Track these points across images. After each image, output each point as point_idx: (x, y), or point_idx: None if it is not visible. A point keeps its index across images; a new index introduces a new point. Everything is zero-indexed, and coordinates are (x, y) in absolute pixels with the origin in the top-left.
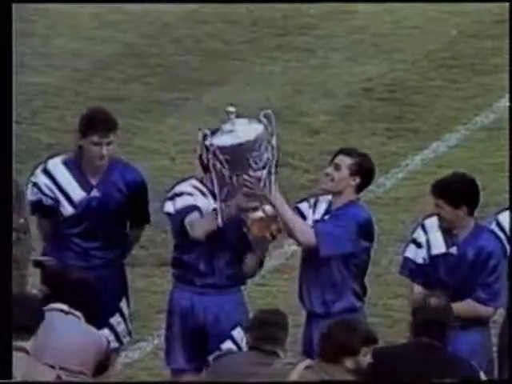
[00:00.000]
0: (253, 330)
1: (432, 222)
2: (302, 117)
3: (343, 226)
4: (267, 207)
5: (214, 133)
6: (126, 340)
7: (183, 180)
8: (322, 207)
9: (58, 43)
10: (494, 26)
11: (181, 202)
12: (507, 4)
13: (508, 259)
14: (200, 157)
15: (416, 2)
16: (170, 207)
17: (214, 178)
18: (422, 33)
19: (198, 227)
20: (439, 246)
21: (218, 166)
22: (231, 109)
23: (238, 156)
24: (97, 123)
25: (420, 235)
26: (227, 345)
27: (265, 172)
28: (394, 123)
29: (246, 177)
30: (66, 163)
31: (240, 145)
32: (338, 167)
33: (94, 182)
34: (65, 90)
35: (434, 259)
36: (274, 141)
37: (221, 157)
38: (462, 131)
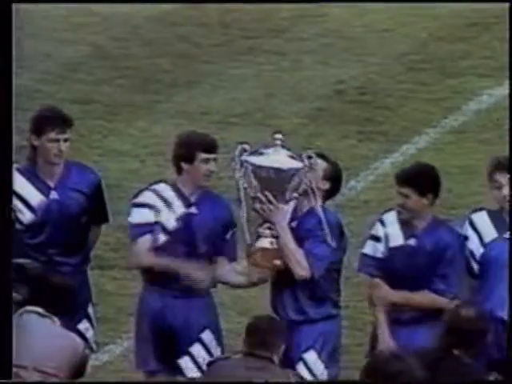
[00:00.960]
0: (248, 336)
1: (390, 216)
2: (274, 119)
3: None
4: (275, 239)
5: (253, 153)
6: (95, 346)
7: (153, 184)
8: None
9: (29, 44)
10: (463, 29)
11: (140, 217)
12: (507, 4)
13: (508, 260)
14: (177, 158)
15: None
16: (130, 218)
17: (242, 198)
18: (392, 36)
19: (134, 258)
20: (397, 239)
21: (246, 184)
22: (278, 136)
23: (271, 181)
24: (53, 119)
25: (378, 230)
26: (196, 348)
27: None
28: (365, 126)
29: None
30: (19, 170)
31: (277, 170)
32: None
33: (51, 184)
34: (35, 91)
35: (392, 252)
36: (307, 181)
37: (252, 175)
38: (431, 134)
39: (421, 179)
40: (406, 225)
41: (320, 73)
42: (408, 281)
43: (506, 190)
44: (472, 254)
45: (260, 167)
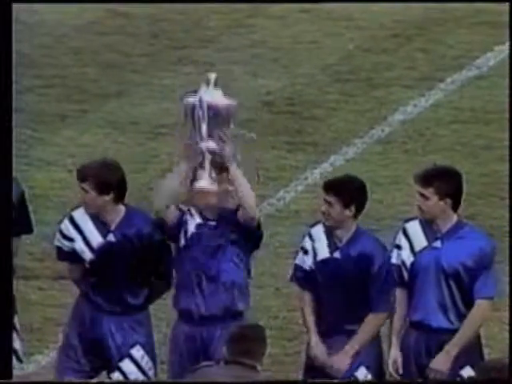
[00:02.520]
0: (232, 344)
1: (318, 230)
2: None
3: None
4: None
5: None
6: (22, 356)
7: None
8: None
9: None
10: (387, 40)
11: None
12: (507, 4)
13: (509, 262)
14: None
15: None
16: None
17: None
18: (319, 47)
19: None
20: (324, 252)
21: (201, 122)
22: (212, 76)
23: (222, 115)
24: None
25: (306, 243)
26: (126, 363)
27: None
28: (294, 136)
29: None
30: None
31: (228, 105)
32: None
33: None
34: None
35: (318, 265)
36: None
37: (207, 112)
38: (358, 144)
39: (346, 189)
40: (331, 237)
41: (249, 84)
42: (337, 294)
43: (417, 201)
44: (403, 262)
45: (212, 103)
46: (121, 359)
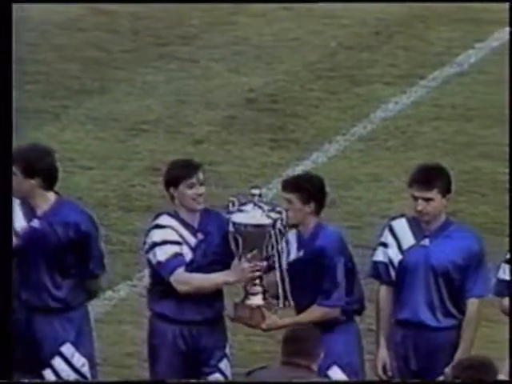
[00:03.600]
0: (287, 345)
1: (292, 233)
2: (185, 127)
3: None
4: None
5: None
6: None
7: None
8: None
9: None
10: (370, 37)
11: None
12: (507, 4)
13: (509, 261)
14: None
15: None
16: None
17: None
18: (301, 44)
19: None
20: (292, 252)
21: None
22: (256, 191)
23: (250, 237)
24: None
25: (283, 245)
26: (57, 361)
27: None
28: (277, 134)
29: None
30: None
31: (255, 226)
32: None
33: None
34: None
35: (289, 265)
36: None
37: (235, 233)
38: (341, 142)
39: (305, 187)
40: (298, 236)
41: (231, 80)
42: (304, 292)
43: (420, 206)
44: (390, 260)
45: (239, 224)
46: (52, 357)
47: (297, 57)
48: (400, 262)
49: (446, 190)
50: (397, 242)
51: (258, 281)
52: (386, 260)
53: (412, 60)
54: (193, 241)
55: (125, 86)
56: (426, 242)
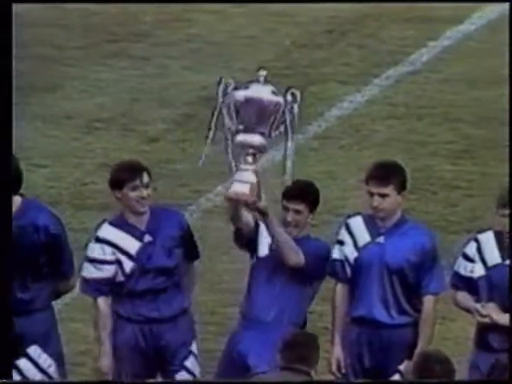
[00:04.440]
0: (286, 351)
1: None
2: (140, 125)
3: None
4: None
5: (236, 88)
6: None
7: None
8: None
9: None
10: (324, 36)
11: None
12: (507, 4)
13: (509, 259)
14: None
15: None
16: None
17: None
18: (256, 43)
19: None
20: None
21: (227, 121)
22: (262, 72)
23: (251, 111)
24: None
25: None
26: (23, 362)
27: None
28: None
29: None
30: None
31: (259, 101)
32: None
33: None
34: None
35: None
36: (288, 120)
37: (233, 108)
38: (296, 140)
39: (315, 196)
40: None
41: (186, 78)
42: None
43: (375, 202)
44: (346, 258)
45: (242, 100)
46: (18, 358)
47: (251, 55)
48: (355, 260)
49: (401, 187)
50: (353, 239)
51: (250, 158)
52: (342, 258)
53: (365, 58)
54: (136, 246)
55: (77, 84)
56: (381, 239)
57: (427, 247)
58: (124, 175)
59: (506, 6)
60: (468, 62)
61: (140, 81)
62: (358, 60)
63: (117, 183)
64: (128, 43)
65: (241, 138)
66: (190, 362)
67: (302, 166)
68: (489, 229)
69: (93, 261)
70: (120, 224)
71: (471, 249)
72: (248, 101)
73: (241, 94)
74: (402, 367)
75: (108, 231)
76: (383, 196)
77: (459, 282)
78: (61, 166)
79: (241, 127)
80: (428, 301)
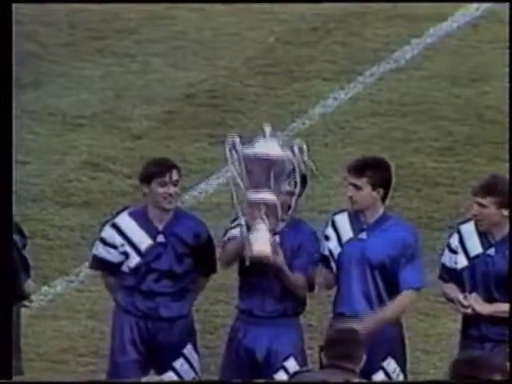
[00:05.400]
0: (329, 348)
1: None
2: (123, 122)
3: None
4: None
5: (244, 144)
6: None
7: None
8: None
9: None
10: (308, 33)
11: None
12: (507, 4)
13: (509, 259)
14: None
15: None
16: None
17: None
18: (241, 40)
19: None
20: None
21: (239, 175)
22: (268, 128)
23: (259, 168)
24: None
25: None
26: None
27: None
28: (215, 129)
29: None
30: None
31: (263, 156)
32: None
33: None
34: None
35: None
36: (297, 177)
37: (243, 165)
38: (279, 137)
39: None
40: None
41: (170, 76)
42: None
43: (349, 192)
44: (331, 253)
45: (249, 156)
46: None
47: (236, 52)
48: (339, 255)
49: (378, 183)
50: (337, 235)
51: (263, 215)
52: (327, 253)
53: (350, 56)
54: (147, 244)
55: (61, 81)
56: (364, 235)
57: (408, 242)
58: (153, 170)
59: (488, 5)
60: (451, 59)
61: (124, 78)
62: (343, 57)
63: (146, 178)
64: (112, 40)
65: (253, 195)
66: (179, 364)
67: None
68: (470, 219)
69: (102, 241)
70: (139, 217)
71: (454, 240)
72: (256, 158)
73: (248, 152)
74: (385, 364)
75: (125, 221)
76: (357, 188)
77: (445, 274)
78: (44, 162)
79: (251, 184)
80: (405, 295)
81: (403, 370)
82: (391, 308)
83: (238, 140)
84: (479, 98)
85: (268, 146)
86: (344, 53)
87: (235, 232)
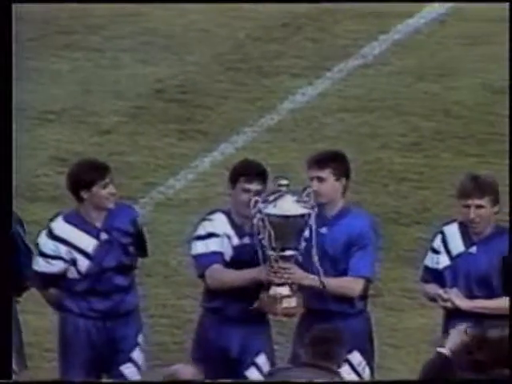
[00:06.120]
0: (311, 347)
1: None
2: (92, 117)
3: None
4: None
5: (264, 201)
6: None
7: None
8: None
9: None
10: (277, 29)
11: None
12: (507, 4)
13: (508, 258)
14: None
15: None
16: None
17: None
18: (210, 36)
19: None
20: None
21: (266, 234)
22: (283, 182)
23: (284, 228)
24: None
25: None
26: None
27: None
28: (185, 125)
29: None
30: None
31: (287, 217)
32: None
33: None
34: None
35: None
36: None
37: (268, 225)
38: (249, 133)
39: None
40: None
41: (139, 71)
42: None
43: (314, 186)
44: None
45: (270, 216)
46: None
47: (205, 48)
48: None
49: (340, 174)
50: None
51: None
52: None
53: (318, 52)
54: (93, 245)
55: (30, 75)
56: (324, 230)
57: (362, 231)
58: (94, 175)
59: (448, 4)
60: (418, 55)
61: (93, 73)
62: (311, 53)
63: (86, 183)
64: (81, 35)
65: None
66: (135, 354)
67: (255, 159)
68: (454, 220)
69: (44, 255)
70: (76, 221)
71: (437, 241)
72: (278, 219)
73: (271, 213)
74: (350, 356)
75: (64, 229)
76: (320, 180)
77: (427, 275)
78: (12, 158)
79: (277, 246)
80: (356, 281)
81: (369, 363)
82: (335, 281)
83: (259, 199)
84: (446, 93)
85: (287, 206)
86: (313, 49)
87: (216, 247)
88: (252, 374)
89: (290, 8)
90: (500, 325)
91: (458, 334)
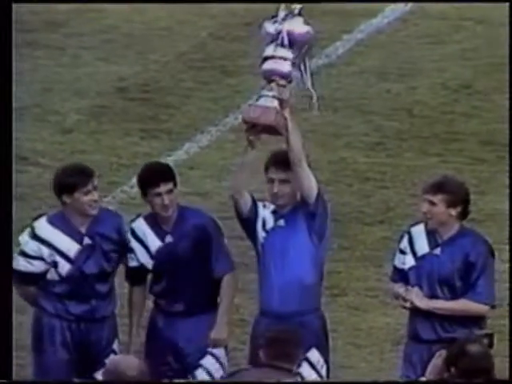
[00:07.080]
0: (267, 348)
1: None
2: (53, 115)
3: None
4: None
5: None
6: None
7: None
8: None
9: None
10: (240, 28)
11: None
12: (507, 4)
13: (509, 260)
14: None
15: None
16: None
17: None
18: (172, 34)
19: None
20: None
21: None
22: (298, 6)
23: (297, 43)
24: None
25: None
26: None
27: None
28: (148, 124)
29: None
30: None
31: (307, 33)
32: None
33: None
34: None
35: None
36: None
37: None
38: (213, 132)
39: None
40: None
41: (101, 69)
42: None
43: (276, 188)
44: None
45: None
46: None
47: (168, 47)
48: (262, 245)
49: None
50: (263, 224)
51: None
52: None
53: None
54: (75, 249)
55: None
56: (281, 222)
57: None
58: (76, 180)
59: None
60: (380, 54)
61: (54, 71)
62: None
63: (68, 188)
64: (41, 33)
65: (268, 66)
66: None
67: (219, 158)
68: (420, 222)
69: (25, 255)
70: (61, 224)
71: (404, 241)
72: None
73: (276, 28)
74: (309, 354)
75: (48, 231)
76: (284, 182)
77: (395, 275)
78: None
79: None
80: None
81: (326, 360)
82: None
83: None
84: (408, 93)
85: (293, 22)
86: None
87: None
88: (207, 362)
89: (252, 6)
90: (478, 340)
91: (436, 360)
